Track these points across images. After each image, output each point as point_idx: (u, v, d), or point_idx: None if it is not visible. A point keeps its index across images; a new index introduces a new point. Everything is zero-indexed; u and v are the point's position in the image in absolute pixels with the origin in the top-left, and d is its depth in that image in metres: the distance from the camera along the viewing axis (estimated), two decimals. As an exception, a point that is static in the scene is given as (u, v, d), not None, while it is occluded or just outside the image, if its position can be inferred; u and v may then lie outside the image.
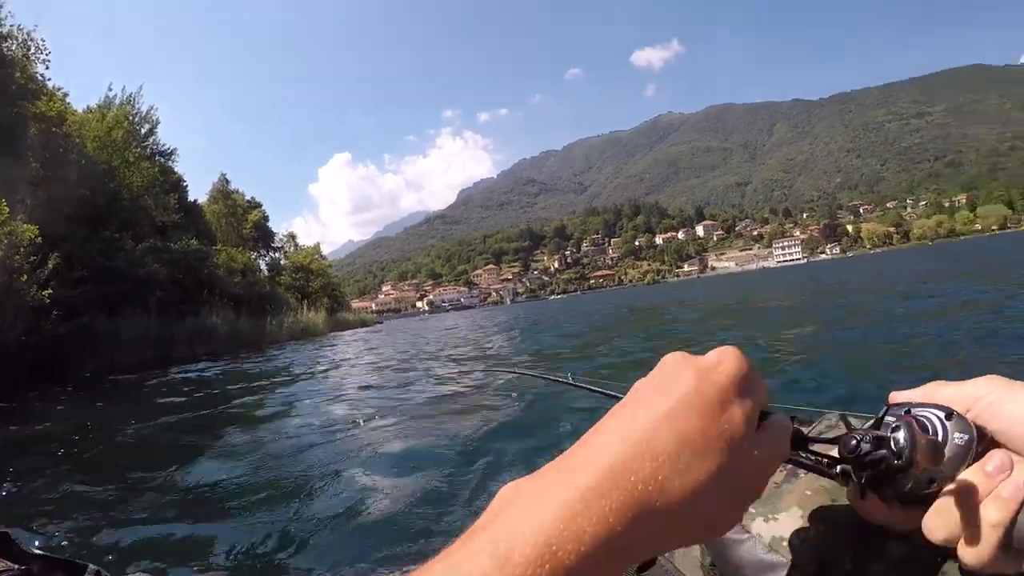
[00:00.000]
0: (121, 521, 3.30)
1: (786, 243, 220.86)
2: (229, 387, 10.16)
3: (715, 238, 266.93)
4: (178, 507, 3.51)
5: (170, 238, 23.88)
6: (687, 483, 0.33)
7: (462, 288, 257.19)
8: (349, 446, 4.60)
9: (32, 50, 18.17)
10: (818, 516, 0.52)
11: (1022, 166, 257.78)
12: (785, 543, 0.52)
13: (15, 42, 17.61)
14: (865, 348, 6.56)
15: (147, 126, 26.85)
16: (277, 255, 48.18)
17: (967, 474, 0.40)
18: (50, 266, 13.59)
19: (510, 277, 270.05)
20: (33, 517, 3.36)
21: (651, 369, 0.39)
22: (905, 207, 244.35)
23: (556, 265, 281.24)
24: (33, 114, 17.02)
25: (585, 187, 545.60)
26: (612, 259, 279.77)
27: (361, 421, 5.49)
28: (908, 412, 0.42)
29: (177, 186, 30.91)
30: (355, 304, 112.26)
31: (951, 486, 0.40)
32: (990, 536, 0.37)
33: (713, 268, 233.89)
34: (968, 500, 0.39)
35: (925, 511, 0.41)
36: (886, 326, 8.01)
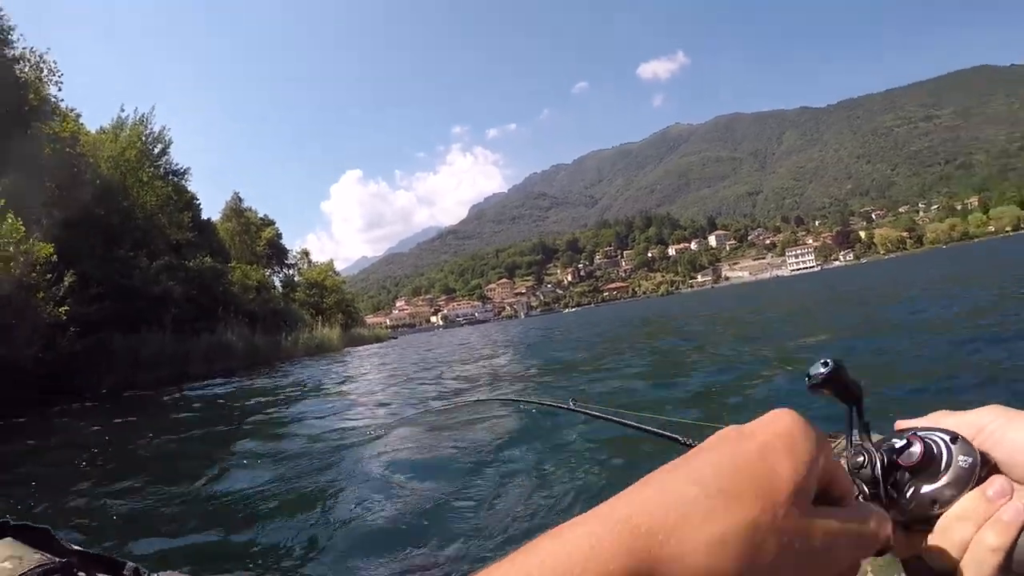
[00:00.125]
0: (147, 530, 3.42)
1: (799, 251, 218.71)
2: (246, 402, 10.22)
3: (728, 248, 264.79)
4: (202, 516, 3.62)
5: (185, 256, 24.04)
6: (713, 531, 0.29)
7: (476, 303, 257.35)
8: (363, 457, 4.72)
9: (45, 72, 18.43)
10: None
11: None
12: None
13: (28, 64, 17.86)
14: (880, 359, 6.27)
15: (160, 145, 27.16)
16: (291, 272, 48.47)
17: (968, 498, 0.40)
18: (66, 284, 13.69)
19: (524, 291, 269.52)
20: (59, 526, 3.27)
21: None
22: (917, 211, 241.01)
23: (569, 278, 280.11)
24: (47, 134, 17.22)
25: (596, 200, 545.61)
26: (625, 271, 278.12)
27: (373, 432, 5.58)
28: (915, 434, 0.44)
29: (191, 204, 31.23)
30: (369, 320, 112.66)
31: (952, 509, 0.40)
32: (990, 560, 0.38)
33: (727, 278, 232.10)
34: (968, 524, 0.39)
35: (926, 537, 0.41)
36: (894, 335, 7.71)
